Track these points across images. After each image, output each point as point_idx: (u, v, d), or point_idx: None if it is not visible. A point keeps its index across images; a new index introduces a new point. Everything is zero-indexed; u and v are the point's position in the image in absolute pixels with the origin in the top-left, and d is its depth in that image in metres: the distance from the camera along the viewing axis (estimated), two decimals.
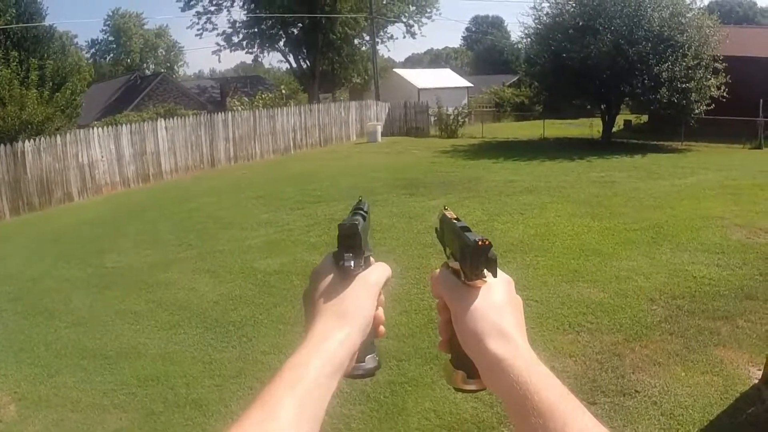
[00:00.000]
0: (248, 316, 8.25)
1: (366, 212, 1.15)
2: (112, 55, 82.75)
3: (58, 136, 20.97)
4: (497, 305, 0.96)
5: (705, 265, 9.14)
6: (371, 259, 1.05)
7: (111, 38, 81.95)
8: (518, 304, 1.01)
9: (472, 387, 0.97)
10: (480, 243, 0.93)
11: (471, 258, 0.94)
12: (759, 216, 11.86)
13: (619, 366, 6.16)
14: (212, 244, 12.41)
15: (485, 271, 0.96)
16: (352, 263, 0.98)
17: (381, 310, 1.03)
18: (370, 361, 0.99)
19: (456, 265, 1.00)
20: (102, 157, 22.22)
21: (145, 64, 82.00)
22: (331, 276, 0.99)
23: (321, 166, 23.50)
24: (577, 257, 9.74)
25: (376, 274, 1.02)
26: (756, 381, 5.76)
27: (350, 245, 0.99)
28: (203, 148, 26.50)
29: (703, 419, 5.23)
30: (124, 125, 23.88)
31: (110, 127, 23.44)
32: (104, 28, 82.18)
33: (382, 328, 1.05)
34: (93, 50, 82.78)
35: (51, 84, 23.63)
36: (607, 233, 11.11)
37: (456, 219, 1.08)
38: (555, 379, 0.87)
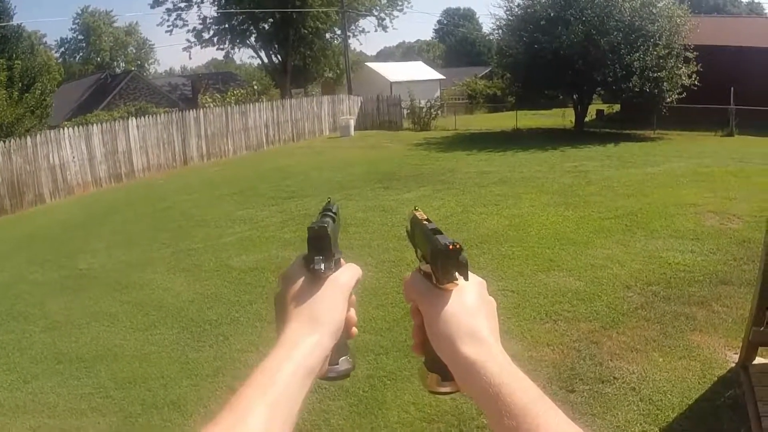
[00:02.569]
0: (224, 315, 8.19)
1: (335, 213, 1.14)
2: (81, 53, 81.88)
3: (29, 138, 20.66)
4: (469, 308, 0.96)
5: (679, 252, 9.21)
6: (341, 260, 1.04)
7: (80, 37, 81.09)
8: (491, 307, 1.01)
9: (447, 389, 0.96)
10: (451, 247, 0.93)
11: (442, 262, 0.94)
12: (732, 202, 11.96)
13: (597, 353, 6.18)
14: (187, 242, 12.32)
15: (456, 274, 0.95)
16: (323, 266, 0.97)
17: (353, 311, 1.03)
18: (343, 363, 0.99)
19: (427, 268, 0.99)
20: (73, 157, 21.92)
21: (115, 63, 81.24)
22: (301, 279, 0.99)
23: (294, 162, 23.41)
24: (552, 247, 9.78)
25: (346, 275, 1.02)
26: (733, 365, 5.81)
27: (320, 248, 0.99)
28: (175, 146, 26.25)
29: (682, 404, 5.26)
30: (95, 125, 23.57)
31: (81, 127, 23.10)
32: (73, 26, 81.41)
33: (354, 329, 1.04)
34: (62, 49, 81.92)
35: (20, 84, 23.34)
36: (582, 222, 11.16)
37: (427, 220, 1.08)
38: (528, 380, 0.86)
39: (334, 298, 0.97)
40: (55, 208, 19.65)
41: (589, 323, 6.91)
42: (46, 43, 77.31)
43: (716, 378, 5.62)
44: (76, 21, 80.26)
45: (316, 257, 0.97)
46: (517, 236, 10.50)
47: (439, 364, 0.95)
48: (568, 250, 9.56)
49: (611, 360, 6.03)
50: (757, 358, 5.67)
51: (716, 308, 7.12)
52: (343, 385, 5.74)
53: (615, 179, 15.20)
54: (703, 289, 7.72)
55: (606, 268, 8.65)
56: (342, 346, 0.98)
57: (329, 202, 1.18)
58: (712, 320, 6.81)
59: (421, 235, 1.05)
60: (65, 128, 22.67)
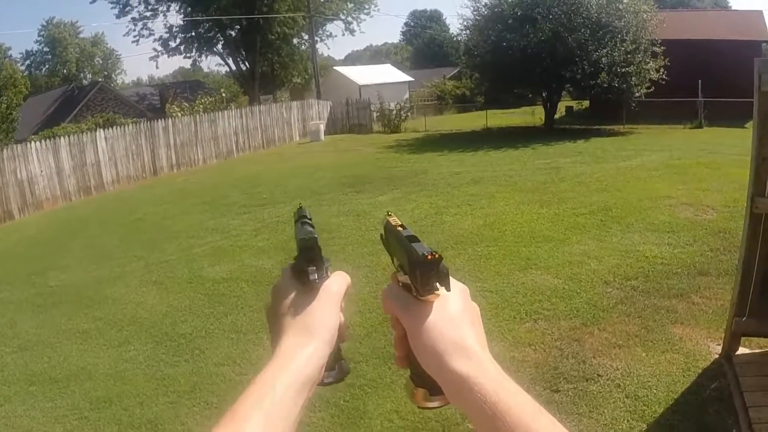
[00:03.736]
0: (199, 327, 8.04)
1: (310, 219, 1.14)
2: (47, 66, 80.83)
3: None
4: (454, 318, 0.93)
5: (656, 245, 9.18)
6: (330, 269, 1.04)
7: (46, 49, 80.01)
8: (475, 313, 0.97)
9: (435, 404, 0.93)
10: (429, 257, 0.89)
11: (421, 273, 0.91)
12: (705, 193, 11.98)
13: (580, 351, 6.10)
14: (159, 254, 12.13)
15: (437, 285, 0.92)
16: (317, 276, 0.98)
17: (343, 317, 1.03)
18: (339, 368, 1.00)
19: (406, 278, 0.96)
20: (41, 171, 21.58)
21: (81, 74, 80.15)
22: (293, 291, 0.99)
23: (265, 169, 23.22)
24: (528, 245, 9.71)
25: (337, 284, 1.03)
26: (716, 356, 5.76)
27: (311, 258, 1.00)
28: (144, 157, 25.95)
29: (667, 398, 5.20)
30: (62, 137, 23.20)
31: (48, 140, 22.78)
32: (38, 38, 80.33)
33: (345, 333, 1.04)
34: (28, 62, 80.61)
35: None
36: (557, 219, 11.11)
37: (401, 226, 1.05)
38: (525, 395, 0.83)
39: (328, 307, 0.98)
40: (24, 224, 19.30)
41: (569, 321, 6.84)
42: (11, 56, 76.43)
43: (701, 370, 5.57)
44: (41, 33, 79.30)
45: (309, 268, 0.98)
46: (493, 236, 10.43)
47: (425, 378, 0.91)
48: (545, 247, 9.50)
49: (594, 357, 5.96)
50: (740, 348, 5.63)
51: (696, 300, 7.09)
52: (323, 395, 5.61)
53: (588, 175, 15.19)
54: (681, 282, 7.69)
55: (583, 264, 8.60)
56: (336, 351, 0.98)
57: (301, 208, 1.18)
58: (693, 312, 6.77)
59: (397, 243, 1.02)
60: (32, 142, 22.34)
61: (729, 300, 5.84)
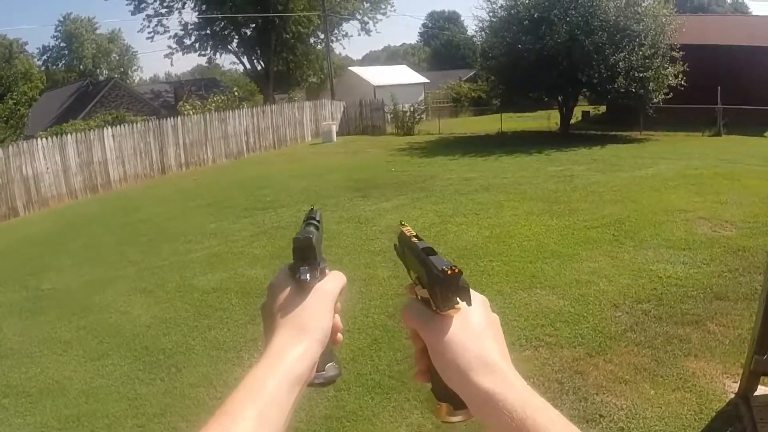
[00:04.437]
0: (180, 342, 7.60)
1: (319, 221, 1.15)
2: (64, 61, 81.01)
3: (0, 149, 20.07)
4: (476, 332, 0.92)
5: (670, 263, 8.65)
6: (326, 269, 1.06)
7: (63, 44, 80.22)
8: (497, 326, 0.97)
9: (459, 418, 0.91)
10: (449, 272, 0.89)
11: (440, 289, 0.90)
12: (723, 207, 11.42)
13: (582, 386, 5.59)
14: (153, 259, 11.73)
15: (458, 299, 0.90)
16: (308, 276, 0.99)
17: (338, 318, 1.04)
18: (330, 370, 1.00)
19: (424, 292, 0.95)
20: (47, 168, 21.34)
21: (98, 70, 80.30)
22: (287, 289, 1.00)
23: (273, 170, 22.84)
24: (534, 260, 9.18)
25: (331, 284, 1.04)
26: (732, 395, 5.23)
27: (305, 257, 1.02)
28: (153, 155, 25.67)
29: None
30: (69, 135, 22.96)
31: (55, 137, 22.51)
32: (56, 34, 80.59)
33: (339, 335, 1.05)
34: (45, 57, 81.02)
35: None
36: (567, 232, 10.57)
37: (416, 237, 1.06)
38: (552, 410, 0.82)
39: (321, 307, 0.99)
40: (28, 221, 19.06)
41: (573, 349, 6.33)
42: (27, 50, 76.66)
43: (714, 413, 5.05)
44: (59, 28, 79.46)
45: (301, 267, 1.00)
46: (498, 249, 9.91)
47: (448, 392, 0.90)
48: (552, 264, 8.97)
49: (597, 394, 5.43)
50: (759, 388, 5.11)
51: (712, 328, 6.55)
52: (298, 427, 5.17)
53: (602, 184, 14.66)
54: (697, 306, 7.14)
55: (592, 284, 8.07)
56: (328, 353, 0.99)
57: (312, 209, 1.19)
58: (708, 342, 6.24)
59: (413, 256, 1.02)
60: (39, 139, 22.11)
61: (747, 329, 5.35)
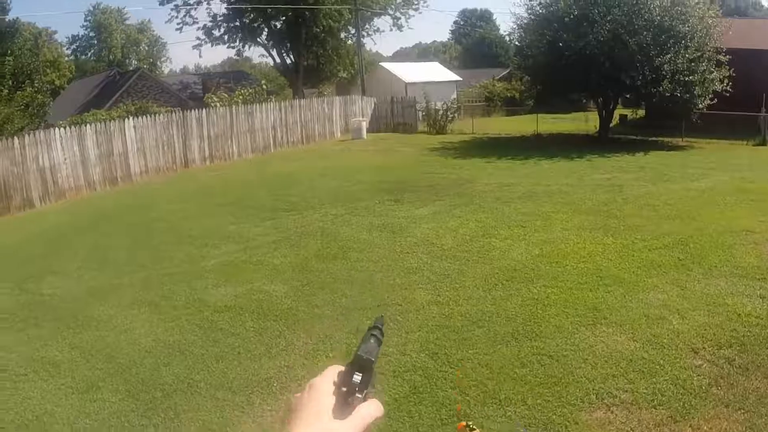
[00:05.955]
0: (182, 377, 6.56)
1: (382, 333, 1.16)
2: (93, 50, 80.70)
3: (16, 138, 19.27)
4: None
5: (747, 297, 7.51)
6: (370, 395, 1.06)
7: (92, 34, 79.89)
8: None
9: None
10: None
11: None
12: None
13: None
14: (164, 265, 10.76)
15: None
16: (355, 397, 1.02)
17: None
18: None
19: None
20: (65, 159, 20.49)
21: (127, 60, 79.97)
22: (329, 398, 1.03)
23: (300, 167, 21.90)
24: (594, 287, 8.04)
25: (370, 411, 1.04)
26: None
27: (361, 377, 1.04)
28: (176, 148, 24.74)
29: None
30: (88, 125, 22.10)
31: (73, 127, 21.66)
32: (85, 23, 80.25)
33: None
34: (74, 46, 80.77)
35: (11, 82, 21.80)
36: (626, 253, 9.40)
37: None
38: None
39: (349, 429, 1.00)
40: (43, 213, 18.22)
41: (652, 411, 5.20)
42: (56, 39, 76.45)
43: None
44: (88, 18, 79.11)
45: (351, 385, 1.03)
46: (551, 271, 8.79)
47: None
48: (615, 293, 7.82)
49: None
50: None
51: None
52: None
53: (654, 196, 13.48)
54: None
55: (664, 320, 6.92)
56: None
57: (380, 318, 1.22)
58: None
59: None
60: (57, 128, 21.27)
61: None
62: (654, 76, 23.64)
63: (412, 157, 23.37)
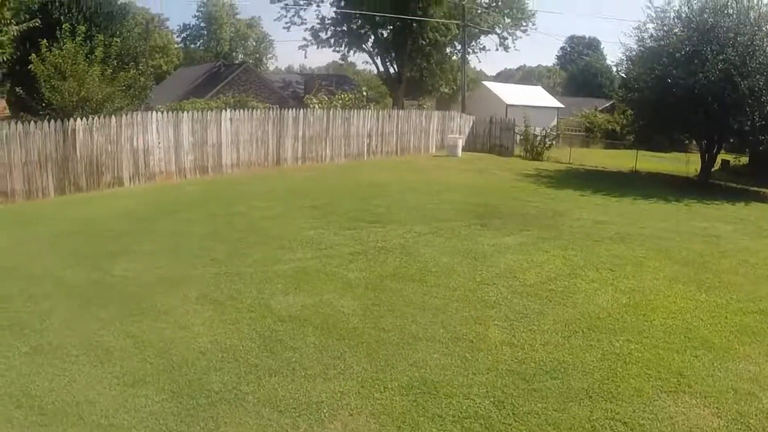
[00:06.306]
0: (231, 385, 6.30)
1: None
2: (202, 40, 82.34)
3: (113, 117, 19.59)
4: None
5: None
6: None
7: (203, 24, 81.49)
8: None
9: None
10: None
11: None
12: None
13: None
14: (237, 262, 10.57)
15: None
16: None
17: None
18: None
19: None
20: (159, 143, 20.72)
21: (234, 53, 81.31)
22: None
23: (391, 178, 21.69)
24: (681, 350, 7.41)
25: None
26: None
27: None
28: (269, 145, 24.75)
29: None
30: (185, 113, 22.30)
31: (171, 113, 21.88)
32: (197, 13, 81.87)
33: None
34: (184, 34, 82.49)
35: (117, 63, 22.14)
36: (719, 314, 8.72)
37: None
38: None
39: None
40: (129, 193, 18.52)
41: None
42: (168, 26, 78.37)
43: None
44: (201, 8, 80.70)
45: None
46: (637, 325, 8.20)
47: None
48: (703, 358, 7.19)
49: None
50: None
51: None
52: None
53: (753, 252, 12.66)
54: None
55: (753, 397, 6.28)
56: None
57: None
58: None
59: None
60: (154, 112, 21.53)
61: None
62: (764, 122, 22.60)
63: (506, 181, 22.86)
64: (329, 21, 48.84)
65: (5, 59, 22.30)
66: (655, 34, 26.25)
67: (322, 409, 5.91)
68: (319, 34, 49.26)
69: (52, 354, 6.95)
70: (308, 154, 26.35)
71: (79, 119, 18.49)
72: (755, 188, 25.44)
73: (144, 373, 6.54)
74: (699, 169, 27.49)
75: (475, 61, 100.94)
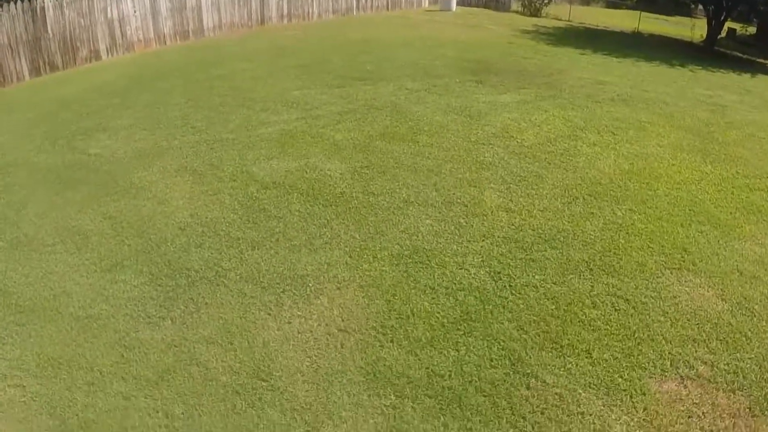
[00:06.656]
0: (212, 262, 6.00)
1: None
2: None
3: None
4: None
5: None
6: None
7: None
8: None
9: None
10: None
11: None
12: None
13: None
14: (219, 129, 10.02)
15: None
16: None
17: None
18: None
19: None
20: (135, 11, 19.69)
21: None
22: None
23: (381, 34, 20.78)
24: (686, 224, 7.00)
25: None
26: None
27: None
28: (252, 4, 23.59)
29: None
30: None
31: None
32: None
33: None
34: None
35: None
36: (724, 188, 8.24)
37: None
38: None
39: None
40: (109, 65, 17.46)
41: (730, 395, 4.39)
42: None
43: None
44: None
45: None
46: (640, 193, 7.76)
47: None
48: (708, 235, 6.78)
49: None
50: None
51: None
52: None
53: (760, 126, 11.90)
54: None
55: (758, 281, 5.93)
56: None
57: None
58: None
59: None
60: None
61: None
62: None
63: (502, 37, 21.85)
64: None
65: None
66: None
67: (308, 283, 5.65)
68: None
69: (28, 246, 6.62)
70: (294, 11, 25.23)
71: None
72: (762, 60, 24.57)
73: (122, 256, 6.22)
74: (705, 35, 26.57)
75: None
